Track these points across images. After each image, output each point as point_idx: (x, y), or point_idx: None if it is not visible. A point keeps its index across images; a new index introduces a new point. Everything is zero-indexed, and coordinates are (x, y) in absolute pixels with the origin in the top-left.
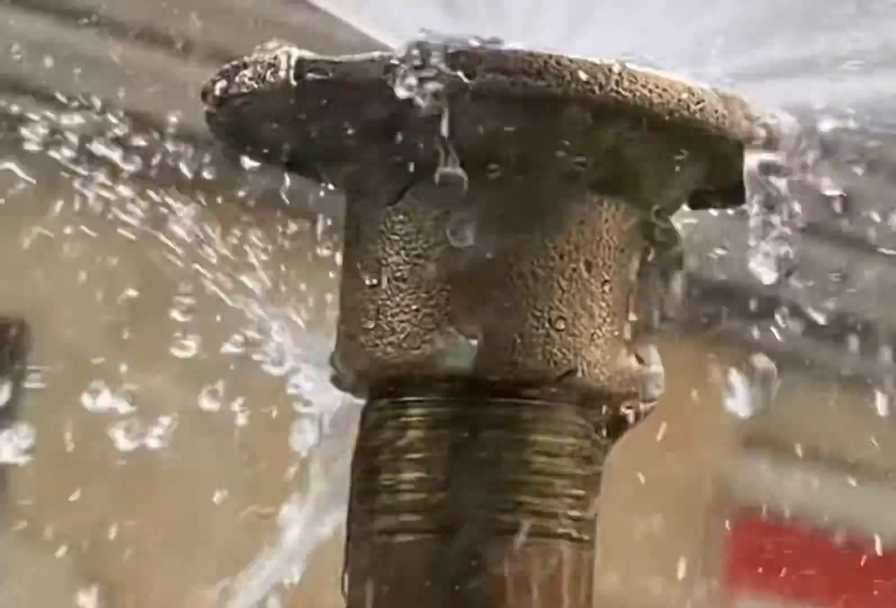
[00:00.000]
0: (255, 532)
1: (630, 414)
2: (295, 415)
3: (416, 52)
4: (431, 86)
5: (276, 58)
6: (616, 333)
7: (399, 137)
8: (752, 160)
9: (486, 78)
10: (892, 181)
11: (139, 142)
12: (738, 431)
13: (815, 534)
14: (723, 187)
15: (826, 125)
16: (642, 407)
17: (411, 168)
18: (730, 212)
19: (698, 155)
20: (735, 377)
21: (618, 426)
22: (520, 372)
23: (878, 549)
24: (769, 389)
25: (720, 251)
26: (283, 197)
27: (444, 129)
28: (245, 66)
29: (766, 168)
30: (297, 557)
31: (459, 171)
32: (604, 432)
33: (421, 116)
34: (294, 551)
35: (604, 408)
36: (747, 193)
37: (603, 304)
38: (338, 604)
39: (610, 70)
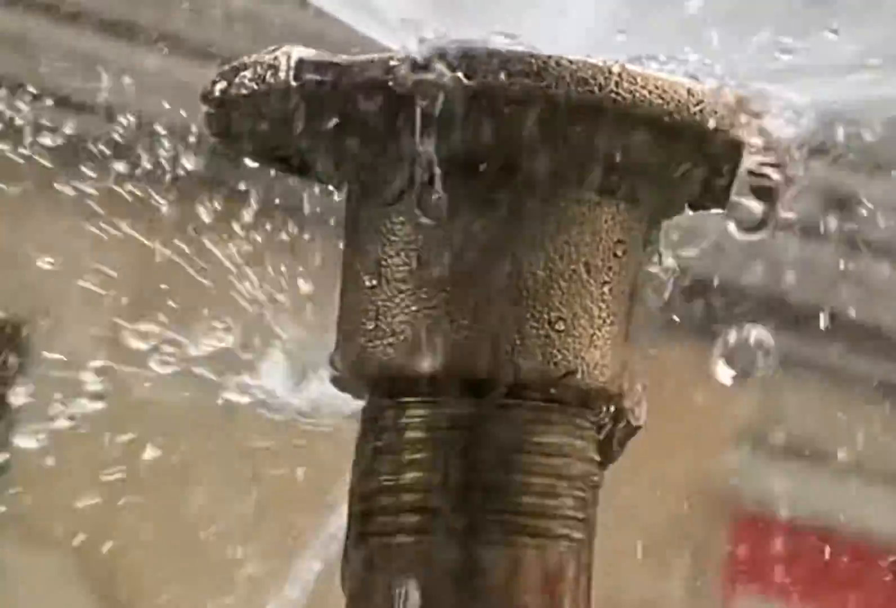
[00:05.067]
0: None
1: (633, 418)
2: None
3: (415, 52)
4: (431, 86)
5: (276, 59)
6: (616, 334)
7: (399, 138)
8: (750, 161)
9: (485, 79)
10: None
11: (137, 141)
12: (739, 431)
13: (815, 534)
14: (723, 188)
15: (826, 124)
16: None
17: (411, 169)
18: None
19: (698, 156)
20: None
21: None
22: (519, 373)
23: (879, 549)
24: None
25: (720, 250)
26: (282, 197)
27: (433, 140)
28: (245, 67)
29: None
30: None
31: (440, 196)
32: (613, 443)
33: (421, 117)
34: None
35: (604, 410)
36: (733, 193)
37: (602, 306)
38: (337, 604)
39: (610, 71)
